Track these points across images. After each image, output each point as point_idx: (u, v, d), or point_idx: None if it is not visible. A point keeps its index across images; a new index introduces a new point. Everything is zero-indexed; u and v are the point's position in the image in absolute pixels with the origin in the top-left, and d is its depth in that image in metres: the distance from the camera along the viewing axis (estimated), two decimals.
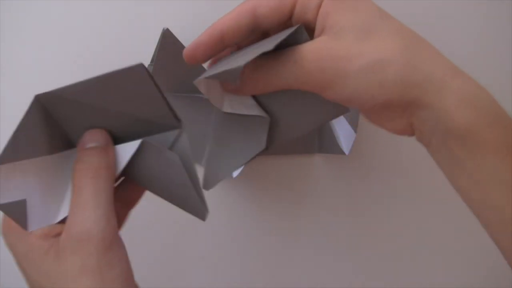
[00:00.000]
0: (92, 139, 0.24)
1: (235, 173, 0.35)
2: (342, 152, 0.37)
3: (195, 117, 0.37)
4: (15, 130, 0.22)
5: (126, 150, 0.25)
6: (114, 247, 0.24)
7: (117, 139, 0.25)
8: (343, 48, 0.22)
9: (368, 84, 0.22)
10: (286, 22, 0.25)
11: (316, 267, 0.44)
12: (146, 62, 0.36)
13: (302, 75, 0.23)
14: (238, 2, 0.36)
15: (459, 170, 0.24)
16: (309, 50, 0.23)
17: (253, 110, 0.27)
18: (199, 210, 0.26)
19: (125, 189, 0.27)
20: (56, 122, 0.24)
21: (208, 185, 0.28)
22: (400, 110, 0.23)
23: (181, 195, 0.26)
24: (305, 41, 0.24)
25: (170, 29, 0.33)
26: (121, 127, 0.25)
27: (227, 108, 0.28)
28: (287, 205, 0.42)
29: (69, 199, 0.24)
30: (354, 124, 0.37)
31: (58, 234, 0.24)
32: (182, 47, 0.34)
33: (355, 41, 0.22)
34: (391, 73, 0.22)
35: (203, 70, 0.35)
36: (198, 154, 0.38)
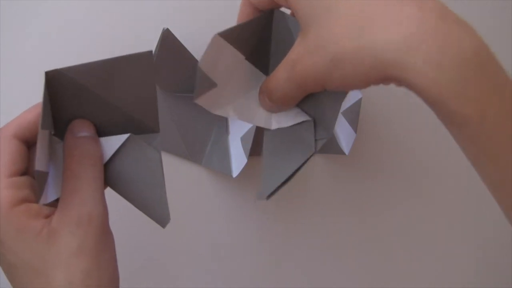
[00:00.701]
0: (83, 129, 0.25)
1: (235, 173, 0.35)
2: (342, 152, 0.37)
3: (195, 117, 0.37)
4: (43, 101, 0.22)
5: (111, 144, 0.26)
6: (109, 231, 0.24)
7: (99, 133, 0.26)
8: (307, 50, 0.23)
9: (345, 74, 0.22)
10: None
11: (316, 267, 0.44)
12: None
13: (300, 85, 0.25)
14: (238, 3, 0.36)
15: (466, 153, 0.23)
16: (292, 58, 0.25)
17: (299, 117, 0.29)
18: (162, 215, 0.26)
19: None
20: (52, 105, 0.24)
21: (263, 194, 0.29)
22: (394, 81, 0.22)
23: (150, 197, 0.26)
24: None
25: (170, 29, 0.33)
26: (107, 121, 0.25)
27: (274, 126, 0.29)
28: (287, 205, 0.42)
29: (59, 182, 0.24)
30: (354, 124, 0.37)
31: (48, 216, 0.24)
32: (182, 47, 0.34)
33: (316, 37, 0.23)
34: (349, 64, 0.22)
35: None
36: (198, 154, 0.38)
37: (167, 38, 0.33)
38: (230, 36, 0.25)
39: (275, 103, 0.28)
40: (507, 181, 0.21)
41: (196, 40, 0.37)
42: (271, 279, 0.43)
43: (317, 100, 0.28)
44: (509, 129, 0.20)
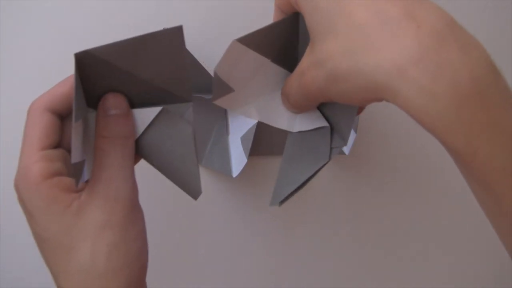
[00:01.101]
0: (115, 105, 0.25)
1: (235, 173, 0.35)
2: (342, 152, 0.37)
3: (195, 117, 0.37)
4: (75, 90, 0.22)
5: (144, 116, 0.26)
6: (137, 207, 0.25)
7: (132, 105, 0.26)
8: (311, 63, 0.23)
9: (342, 91, 0.22)
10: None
11: (316, 267, 0.44)
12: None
13: (307, 96, 0.25)
14: (238, 3, 0.36)
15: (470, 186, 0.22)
16: (301, 68, 0.25)
17: (319, 122, 0.29)
18: (194, 187, 0.26)
19: None
20: (83, 82, 0.24)
21: (276, 199, 0.29)
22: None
23: (181, 169, 0.26)
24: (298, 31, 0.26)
25: None
26: (138, 94, 0.25)
27: (296, 128, 0.29)
28: (287, 205, 0.42)
29: (91, 160, 0.24)
30: (354, 125, 0.37)
31: (79, 191, 0.24)
32: None
33: (319, 52, 0.23)
34: (343, 82, 0.21)
35: (204, 71, 0.35)
36: (198, 154, 0.38)
37: None
38: (250, 41, 0.25)
39: (293, 107, 0.28)
40: (505, 212, 0.20)
41: (196, 40, 0.37)
42: (271, 278, 0.43)
43: (333, 107, 0.28)
44: (504, 164, 0.19)
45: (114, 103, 0.25)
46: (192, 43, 0.36)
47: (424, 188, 0.44)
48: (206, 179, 0.40)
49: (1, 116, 0.38)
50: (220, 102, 0.26)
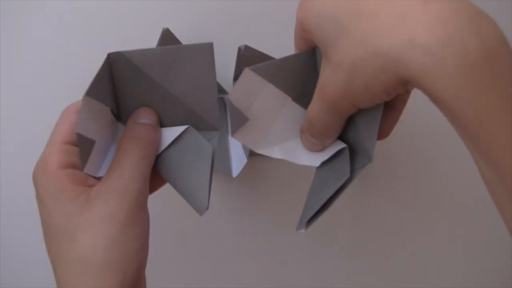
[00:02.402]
0: (145, 116, 0.26)
1: (235, 173, 0.35)
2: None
3: None
4: (95, 76, 0.23)
5: (170, 134, 0.27)
6: (143, 209, 0.25)
7: (162, 124, 0.27)
8: (330, 71, 0.23)
9: (364, 84, 0.22)
10: None
11: (316, 267, 0.44)
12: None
13: (333, 109, 0.25)
14: (238, 3, 0.36)
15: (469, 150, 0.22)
16: (321, 84, 0.25)
17: (336, 145, 0.29)
18: (202, 202, 0.26)
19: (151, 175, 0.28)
20: (115, 89, 0.25)
21: (302, 222, 0.29)
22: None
23: (193, 183, 0.26)
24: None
25: (170, 29, 0.33)
26: (169, 113, 0.26)
27: (319, 161, 0.29)
28: (287, 205, 0.42)
29: (111, 159, 0.25)
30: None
31: (91, 186, 0.25)
32: None
33: (334, 57, 0.23)
34: (363, 72, 0.22)
35: None
36: None
37: (167, 38, 0.33)
38: (267, 72, 0.25)
39: (317, 139, 0.28)
40: (507, 185, 0.20)
41: (196, 40, 0.37)
42: (271, 278, 0.43)
43: (353, 126, 0.28)
44: (508, 133, 0.19)
45: (145, 114, 0.26)
46: (192, 42, 0.36)
47: (425, 188, 0.44)
48: None
49: (1, 116, 0.38)
50: (240, 137, 0.27)
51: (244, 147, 0.35)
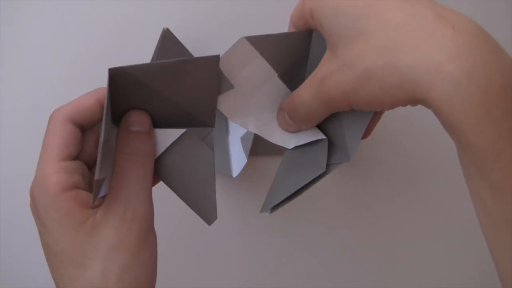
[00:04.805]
0: (138, 122, 0.25)
1: (235, 173, 0.35)
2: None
3: None
4: (106, 108, 0.22)
5: (166, 137, 0.26)
6: (152, 231, 0.25)
7: (154, 124, 0.26)
8: (336, 67, 0.23)
9: (372, 93, 0.22)
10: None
11: (316, 268, 0.44)
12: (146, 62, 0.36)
13: (326, 103, 0.25)
14: (238, 3, 0.36)
15: (469, 182, 0.22)
16: (320, 76, 0.24)
17: (315, 135, 0.28)
18: (210, 212, 0.26)
19: None
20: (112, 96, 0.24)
21: (267, 206, 0.28)
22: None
23: (199, 193, 0.26)
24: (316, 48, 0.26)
25: (170, 29, 0.33)
26: (162, 114, 0.25)
27: (292, 144, 0.29)
28: (287, 205, 0.42)
29: (109, 177, 0.24)
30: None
31: (95, 207, 0.24)
32: (182, 47, 0.34)
33: (345, 55, 0.22)
34: (377, 81, 0.21)
35: None
36: None
37: (167, 38, 0.33)
38: (261, 44, 0.25)
39: (296, 122, 0.27)
40: (509, 219, 0.20)
41: (196, 40, 0.37)
42: (271, 278, 0.43)
43: (338, 121, 0.27)
44: None
45: (137, 120, 0.25)
46: (193, 43, 0.36)
47: (425, 189, 0.44)
48: None
49: (1, 116, 0.38)
50: (221, 104, 0.26)
51: (244, 147, 0.35)
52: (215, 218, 0.26)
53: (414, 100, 0.21)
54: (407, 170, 0.43)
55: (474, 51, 0.19)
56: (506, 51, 0.21)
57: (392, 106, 0.22)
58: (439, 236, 0.45)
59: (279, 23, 0.36)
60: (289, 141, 0.29)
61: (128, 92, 0.24)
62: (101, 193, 0.24)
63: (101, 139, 0.21)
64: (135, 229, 0.23)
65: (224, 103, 0.26)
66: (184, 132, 0.26)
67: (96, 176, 0.21)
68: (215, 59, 0.23)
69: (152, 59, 0.36)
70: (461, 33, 0.20)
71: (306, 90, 0.25)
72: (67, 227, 0.22)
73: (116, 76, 0.23)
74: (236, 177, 0.35)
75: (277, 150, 0.40)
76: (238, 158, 0.35)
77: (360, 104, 0.23)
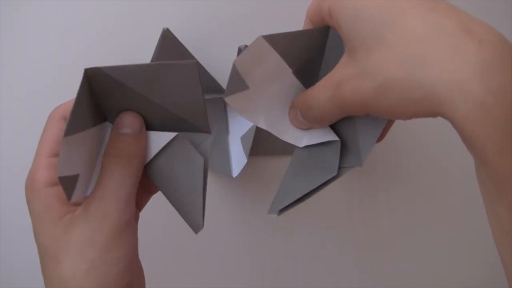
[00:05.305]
0: (127, 124, 0.25)
1: (235, 173, 0.35)
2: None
3: None
4: (74, 104, 0.22)
5: (159, 139, 0.26)
6: (127, 230, 0.24)
7: (148, 126, 0.26)
8: (356, 73, 0.22)
9: (391, 104, 0.21)
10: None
11: (316, 267, 0.44)
12: (146, 62, 0.36)
13: (342, 107, 0.24)
14: (238, 3, 0.36)
15: (485, 197, 0.21)
16: (338, 79, 0.24)
17: (328, 136, 0.27)
18: (196, 220, 0.26)
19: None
20: (96, 96, 0.24)
21: (275, 208, 0.28)
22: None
23: (187, 200, 0.26)
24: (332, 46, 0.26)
25: (170, 29, 0.33)
26: (155, 117, 0.25)
27: (304, 143, 0.28)
28: None
29: (99, 171, 0.24)
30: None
31: (78, 204, 0.24)
32: (182, 47, 0.34)
33: (366, 62, 0.22)
34: (397, 93, 0.20)
35: (205, 71, 0.35)
36: None
37: (167, 38, 0.33)
38: (277, 42, 0.24)
39: (308, 121, 0.27)
40: None
41: (196, 40, 0.37)
42: (271, 278, 0.43)
43: (352, 124, 0.26)
44: None
45: (128, 122, 0.25)
46: (193, 43, 0.36)
47: (425, 189, 0.44)
48: None
49: (1, 116, 0.38)
50: (232, 100, 0.25)
51: (244, 147, 0.35)
52: (200, 227, 0.25)
53: (434, 115, 0.20)
54: (410, 170, 0.43)
55: (499, 68, 0.18)
56: None
57: (410, 117, 0.22)
58: (441, 236, 0.45)
59: (279, 23, 0.36)
60: (300, 139, 0.28)
61: (114, 93, 0.24)
62: (88, 192, 0.24)
63: (62, 135, 0.21)
64: (106, 227, 0.23)
65: (235, 100, 0.26)
66: (175, 136, 0.25)
67: (58, 172, 0.21)
68: (192, 65, 0.23)
69: (152, 59, 0.36)
70: (486, 48, 0.19)
71: (322, 91, 0.25)
72: (46, 221, 0.23)
73: (96, 77, 0.23)
74: (236, 177, 0.35)
75: (278, 150, 0.41)
76: (238, 158, 0.35)
77: (377, 113, 0.22)
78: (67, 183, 0.22)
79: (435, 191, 0.43)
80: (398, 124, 0.42)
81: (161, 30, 0.33)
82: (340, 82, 0.23)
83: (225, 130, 0.37)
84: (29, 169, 0.25)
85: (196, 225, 0.26)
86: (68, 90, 0.36)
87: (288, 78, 0.27)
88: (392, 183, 0.43)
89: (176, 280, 0.42)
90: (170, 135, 0.25)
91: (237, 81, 0.25)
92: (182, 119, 0.25)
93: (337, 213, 0.43)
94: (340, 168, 0.27)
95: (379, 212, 0.44)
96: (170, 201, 0.26)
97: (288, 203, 0.27)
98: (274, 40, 0.24)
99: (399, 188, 0.43)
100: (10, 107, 0.37)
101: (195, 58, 0.34)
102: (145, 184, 0.27)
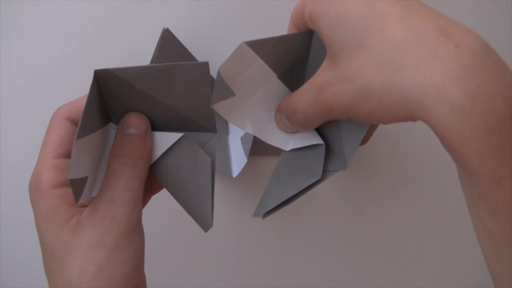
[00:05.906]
0: (133, 125, 0.25)
1: (235, 173, 0.35)
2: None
3: None
4: (85, 106, 0.22)
5: (165, 140, 0.26)
6: (135, 231, 0.24)
7: (154, 127, 0.26)
8: (336, 78, 0.22)
9: (371, 108, 0.21)
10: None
11: (315, 267, 0.44)
12: (146, 62, 0.36)
13: (324, 112, 0.24)
14: (238, 3, 0.36)
15: (469, 201, 0.21)
16: (319, 84, 0.24)
17: (314, 139, 0.28)
18: (206, 219, 0.26)
19: (151, 176, 0.27)
20: (103, 97, 0.24)
21: (259, 212, 0.28)
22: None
23: (196, 199, 0.26)
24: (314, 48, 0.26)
25: (170, 29, 0.33)
26: (161, 117, 0.25)
27: (290, 147, 0.29)
28: (287, 205, 0.42)
29: (103, 174, 0.24)
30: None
31: (84, 206, 0.24)
32: (182, 47, 0.34)
33: (346, 67, 0.22)
34: (376, 98, 0.21)
35: None
36: None
37: (167, 38, 0.33)
38: (260, 48, 0.24)
39: (294, 125, 0.27)
40: (509, 241, 0.20)
41: (196, 40, 0.37)
42: (272, 278, 0.43)
43: (337, 127, 0.27)
44: None
45: (133, 122, 0.25)
46: (193, 43, 0.36)
47: (424, 189, 0.44)
48: None
49: (1, 116, 0.38)
50: (218, 107, 0.26)
51: (244, 147, 0.35)
52: (210, 225, 0.26)
53: (413, 119, 0.20)
54: (407, 171, 0.43)
55: (477, 73, 0.18)
56: (508, 67, 0.20)
57: (391, 122, 0.22)
58: (438, 236, 0.45)
59: (279, 23, 0.36)
60: (287, 143, 0.29)
61: (120, 94, 0.24)
62: (93, 194, 0.24)
63: (75, 138, 0.21)
64: (114, 229, 0.23)
65: (222, 107, 0.26)
66: (182, 136, 0.26)
67: (69, 175, 0.21)
68: (204, 65, 0.23)
69: (152, 59, 0.36)
70: (464, 52, 0.19)
71: (304, 96, 0.25)
72: (53, 223, 0.23)
73: (104, 78, 0.23)
74: (236, 177, 0.35)
75: (277, 150, 0.41)
76: (238, 158, 0.35)
77: (358, 117, 0.23)
78: (77, 186, 0.22)
79: (434, 192, 0.43)
80: (398, 125, 0.42)
81: (161, 30, 0.33)
82: (322, 87, 0.23)
83: (225, 130, 0.37)
84: (29, 169, 0.25)
85: (206, 223, 0.26)
86: (68, 90, 0.36)
87: (273, 82, 0.27)
88: (392, 184, 0.43)
89: (176, 280, 0.42)
90: (176, 135, 0.26)
91: (223, 88, 0.25)
92: (189, 119, 0.25)
93: (337, 213, 0.43)
94: (325, 171, 0.27)
95: (379, 213, 0.44)
96: (178, 201, 0.26)
97: (272, 206, 0.27)
98: (257, 46, 0.24)
99: (398, 189, 0.43)
100: (10, 107, 0.37)
101: (195, 58, 0.34)
102: (147, 184, 0.27)
